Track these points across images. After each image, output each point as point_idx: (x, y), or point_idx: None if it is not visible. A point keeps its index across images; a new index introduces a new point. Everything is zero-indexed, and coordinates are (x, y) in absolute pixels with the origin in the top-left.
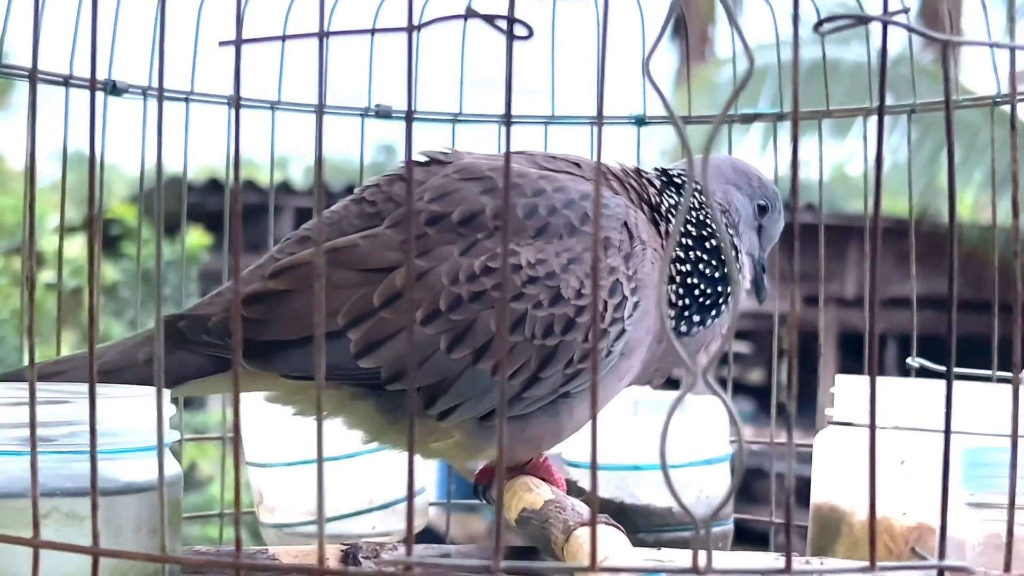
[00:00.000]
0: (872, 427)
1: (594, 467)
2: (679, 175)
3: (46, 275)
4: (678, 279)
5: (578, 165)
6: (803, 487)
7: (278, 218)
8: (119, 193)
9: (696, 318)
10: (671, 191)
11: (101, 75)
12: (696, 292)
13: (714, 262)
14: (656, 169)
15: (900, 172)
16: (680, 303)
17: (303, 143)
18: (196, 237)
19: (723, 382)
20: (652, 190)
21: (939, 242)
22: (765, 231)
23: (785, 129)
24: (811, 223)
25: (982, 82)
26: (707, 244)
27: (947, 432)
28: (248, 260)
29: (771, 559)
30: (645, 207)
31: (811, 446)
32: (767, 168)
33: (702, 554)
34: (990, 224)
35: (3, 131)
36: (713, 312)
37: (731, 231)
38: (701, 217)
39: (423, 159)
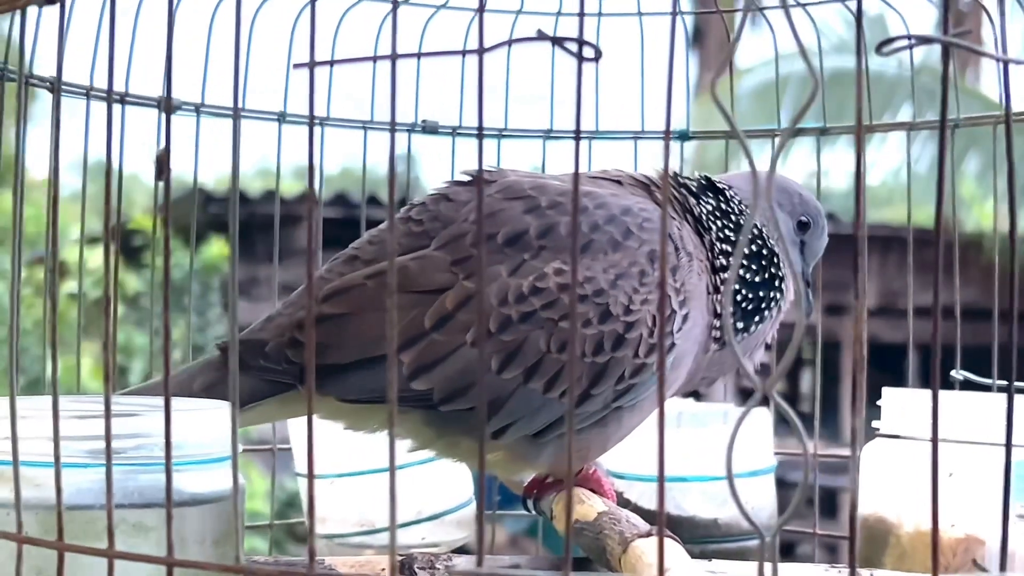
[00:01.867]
0: (935, 440)
1: (661, 480)
2: (720, 182)
3: (69, 285)
4: (721, 287)
5: (619, 183)
6: (830, 498)
7: (297, 228)
8: (140, 203)
9: (740, 324)
10: (708, 197)
11: (142, 89)
12: (738, 298)
13: (754, 267)
14: (700, 175)
15: (919, 182)
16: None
17: (329, 154)
18: (217, 247)
19: (748, 393)
20: (692, 200)
21: (961, 252)
22: (808, 247)
23: (827, 143)
24: (834, 233)
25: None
26: (747, 250)
27: (1008, 444)
28: (267, 270)
29: (821, 571)
30: (689, 217)
31: (835, 457)
32: (808, 182)
33: (767, 566)
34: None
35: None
36: (756, 318)
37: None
38: (741, 222)
39: (466, 178)
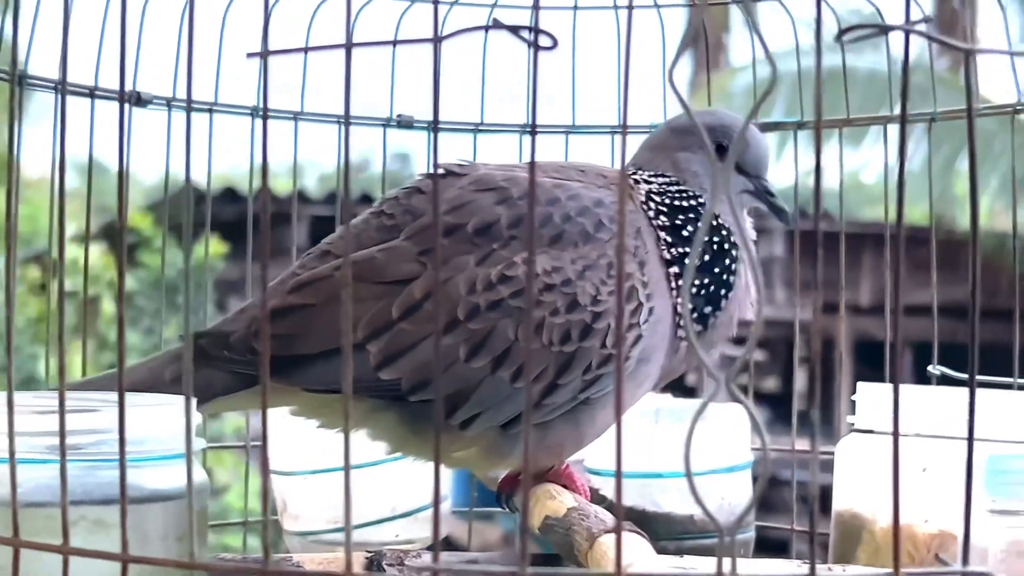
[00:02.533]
0: (895, 434)
1: (619, 474)
2: (638, 171)
3: (64, 283)
4: (675, 284)
5: (583, 172)
6: (824, 495)
7: (290, 228)
8: (135, 202)
9: (708, 309)
10: (640, 187)
11: (125, 86)
12: (694, 289)
13: (706, 251)
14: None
15: (914, 180)
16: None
17: (320, 152)
18: (212, 246)
19: (743, 390)
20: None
21: (955, 250)
22: (744, 162)
23: (804, 138)
24: (829, 231)
25: (998, 90)
26: (683, 233)
27: (970, 438)
28: (259, 268)
29: (794, 566)
30: (641, 209)
31: (831, 453)
32: (786, 177)
33: (727, 561)
34: (1006, 231)
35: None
36: (722, 291)
37: (698, 195)
38: (668, 201)
39: (440, 171)
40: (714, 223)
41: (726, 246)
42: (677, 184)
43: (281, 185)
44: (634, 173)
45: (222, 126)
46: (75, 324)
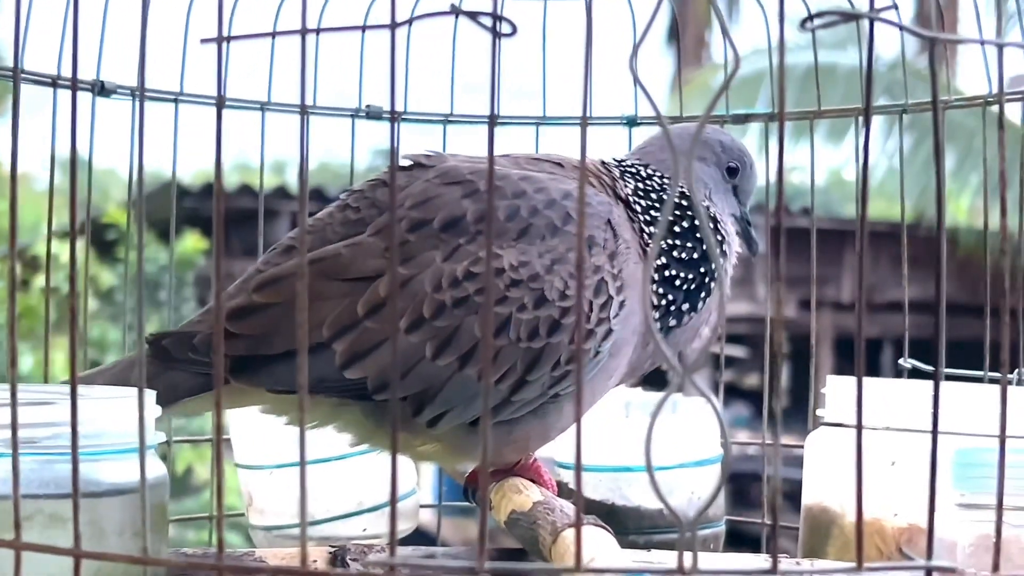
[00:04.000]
0: (859, 427)
1: (578, 467)
2: (634, 164)
3: (41, 280)
4: (657, 276)
5: (561, 165)
6: (796, 490)
7: (274, 222)
8: (116, 197)
9: (685, 306)
10: (627, 179)
11: (91, 76)
12: (678, 282)
13: (689, 244)
14: (614, 160)
15: (894, 175)
16: (665, 300)
17: (296, 146)
18: (192, 242)
19: (718, 386)
20: (620, 183)
21: (936, 246)
22: (740, 189)
23: (796, 136)
24: (806, 227)
25: (976, 84)
26: (676, 228)
27: (935, 432)
28: (243, 265)
29: (760, 560)
30: (620, 202)
31: (797, 447)
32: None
33: (687, 555)
34: (988, 227)
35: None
36: (703, 294)
37: (706, 203)
38: (656, 197)
39: (407, 163)
40: (710, 225)
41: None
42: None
43: (265, 179)
44: (630, 167)
45: (194, 119)
46: (56, 320)
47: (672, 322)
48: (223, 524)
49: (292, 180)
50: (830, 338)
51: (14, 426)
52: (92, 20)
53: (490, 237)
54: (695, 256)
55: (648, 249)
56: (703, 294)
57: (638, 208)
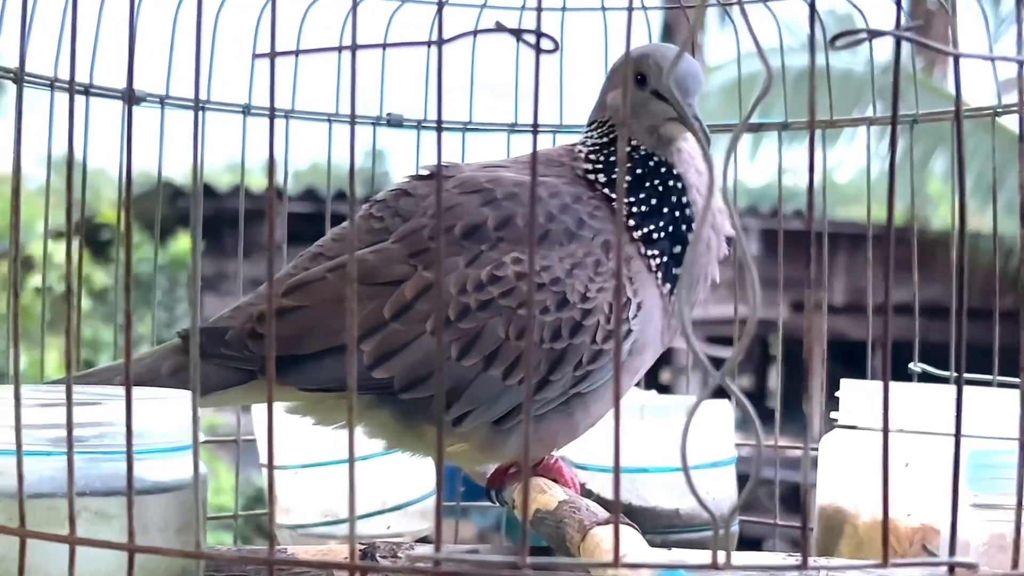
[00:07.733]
0: (885, 430)
1: (617, 468)
2: (590, 135)
3: (36, 279)
4: (643, 245)
5: (546, 164)
6: (793, 491)
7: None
8: (109, 197)
9: (677, 248)
10: (590, 161)
11: (88, 79)
12: (655, 235)
13: (642, 195)
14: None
15: (886, 180)
16: (658, 260)
17: (296, 150)
18: (185, 242)
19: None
20: (579, 164)
21: (928, 249)
22: (665, 88)
23: (789, 138)
24: (801, 230)
25: (973, 92)
26: (642, 208)
27: (958, 435)
28: (236, 265)
29: (781, 558)
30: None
31: (801, 448)
32: (765, 175)
33: (721, 553)
34: (981, 231)
35: None
36: (684, 227)
37: (634, 142)
38: (604, 159)
39: (425, 172)
40: (652, 163)
41: (675, 197)
42: (609, 135)
43: (256, 181)
44: (582, 143)
45: (217, 125)
46: (51, 320)
47: (675, 270)
48: (274, 521)
49: (292, 180)
50: (822, 341)
51: (69, 425)
52: (109, 25)
53: (533, 248)
54: (654, 203)
55: (635, 235)
56: (684, 227)
57: (605, 191)
